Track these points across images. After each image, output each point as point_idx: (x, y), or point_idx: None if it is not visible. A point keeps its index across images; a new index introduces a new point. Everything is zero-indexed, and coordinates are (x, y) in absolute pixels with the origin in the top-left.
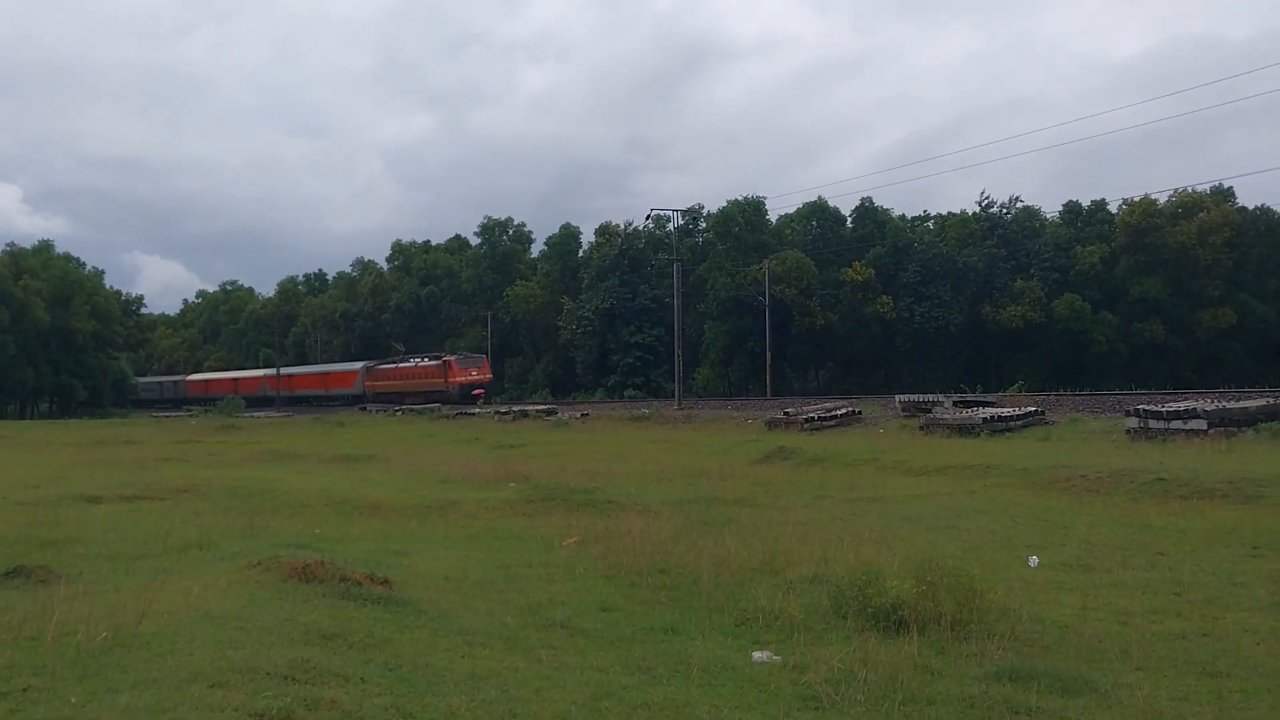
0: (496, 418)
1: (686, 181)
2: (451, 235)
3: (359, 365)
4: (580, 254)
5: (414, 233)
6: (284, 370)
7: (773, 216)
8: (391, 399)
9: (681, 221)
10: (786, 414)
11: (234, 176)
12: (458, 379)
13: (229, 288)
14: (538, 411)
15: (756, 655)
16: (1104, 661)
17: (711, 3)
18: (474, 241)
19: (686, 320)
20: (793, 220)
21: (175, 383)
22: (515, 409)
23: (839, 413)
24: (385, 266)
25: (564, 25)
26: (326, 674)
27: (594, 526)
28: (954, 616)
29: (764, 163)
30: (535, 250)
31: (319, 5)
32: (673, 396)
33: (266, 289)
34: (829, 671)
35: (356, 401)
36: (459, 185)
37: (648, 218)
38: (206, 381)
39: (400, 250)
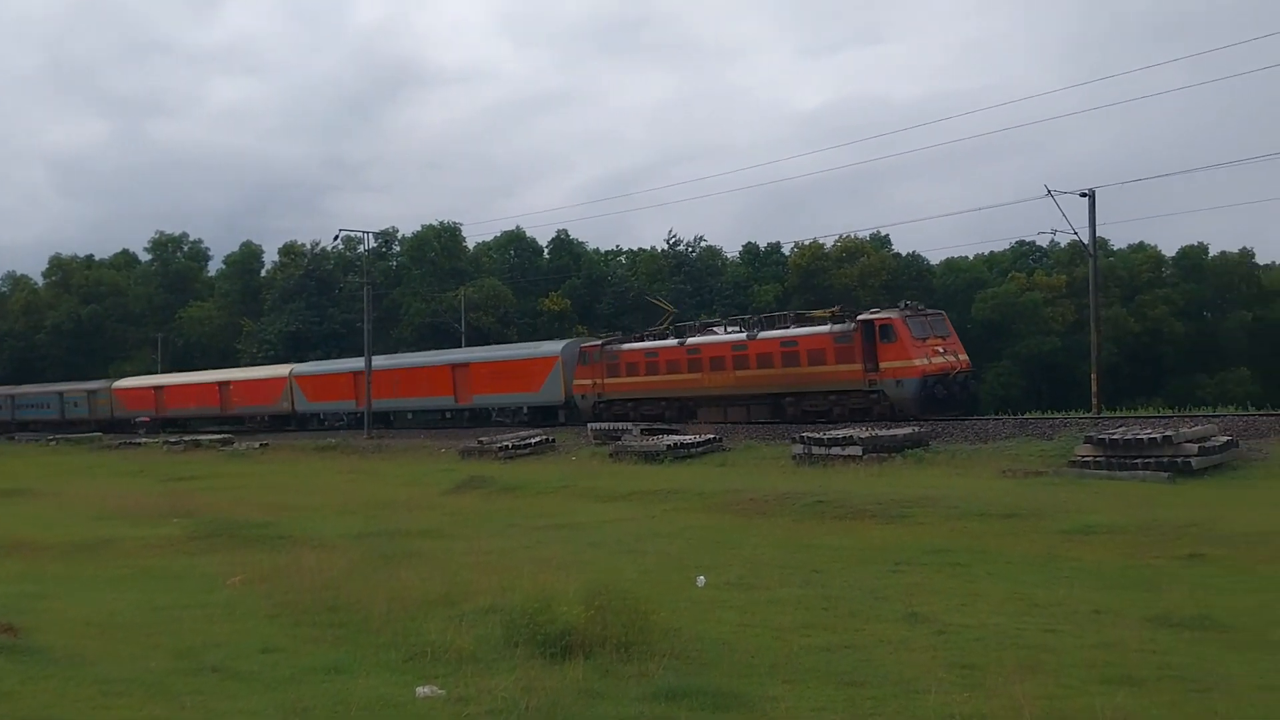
0: (166, 448)
1: (386, 204)
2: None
3: (559, 345)
4: (264, 274)
5: (79, 247)
6: (383, 361)
7: (471, 244)
8: (676, 409)
9: (374, 244)
10: (481, 443)
11: None
12: (915, 363)
13: None
14: (211, 440)
15: (420, 690)
16: (756, 675)
17: (413, 29)
18: (144, 258)
19: (380, 346)
20: (491, 248)
21: (90, 394)
22: (187, 438)
23: (533, 441)
24: (41, 283)
25: (258, 39)
26: None
27: (263, 563)
28: (621, 639)
29: (465, 190)
30: (214, 268)
31: None
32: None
33: None
34: (493, 702)
35: (549, 416)
36: (134, 199)
37: (336, 238)
38: (194, 387)
39: (59, 265)
